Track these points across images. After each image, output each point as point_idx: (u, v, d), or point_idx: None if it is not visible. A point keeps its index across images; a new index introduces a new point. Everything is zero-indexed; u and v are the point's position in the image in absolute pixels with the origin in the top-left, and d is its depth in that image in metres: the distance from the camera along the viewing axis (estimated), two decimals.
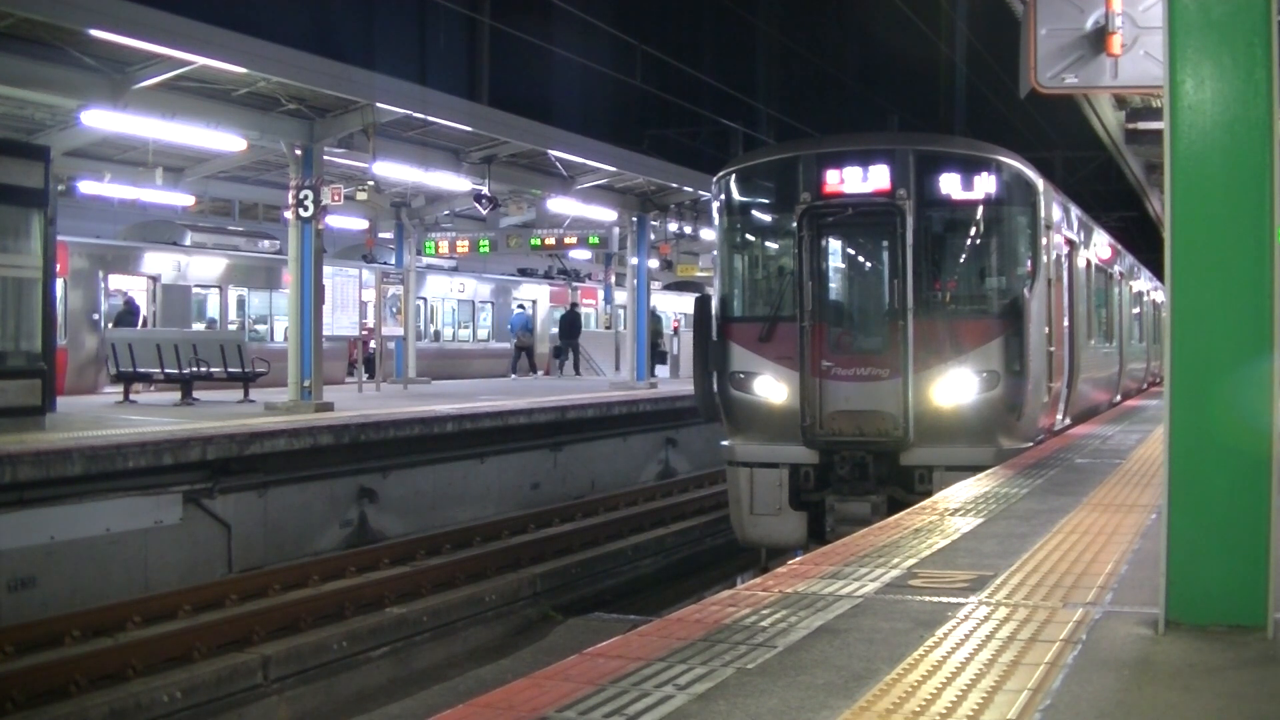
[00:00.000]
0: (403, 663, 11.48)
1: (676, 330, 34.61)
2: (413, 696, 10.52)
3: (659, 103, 32.27)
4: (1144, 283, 24.87)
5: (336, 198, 17.50)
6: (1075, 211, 15.21)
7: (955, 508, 8.26)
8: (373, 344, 23.90)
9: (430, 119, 17.21)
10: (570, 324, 32.68)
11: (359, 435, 14.63)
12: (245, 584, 12.12)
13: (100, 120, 14.51)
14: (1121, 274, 20.43)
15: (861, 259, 12.87)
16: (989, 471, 10.40)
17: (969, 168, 11.92)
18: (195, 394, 18.06)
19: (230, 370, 18.33)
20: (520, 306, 34.90)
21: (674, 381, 27.63)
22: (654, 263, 27.61)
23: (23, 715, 8.72)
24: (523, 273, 37.96)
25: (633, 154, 23.86)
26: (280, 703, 10.13)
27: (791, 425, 11.90)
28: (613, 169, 21.95)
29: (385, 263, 27.89)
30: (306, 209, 16.46)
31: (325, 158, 17.26)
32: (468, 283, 33.77)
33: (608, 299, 38.46)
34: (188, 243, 24.99)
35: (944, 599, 5.44)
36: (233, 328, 24.72)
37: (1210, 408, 4.65)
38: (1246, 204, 4.60)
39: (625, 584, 15.36)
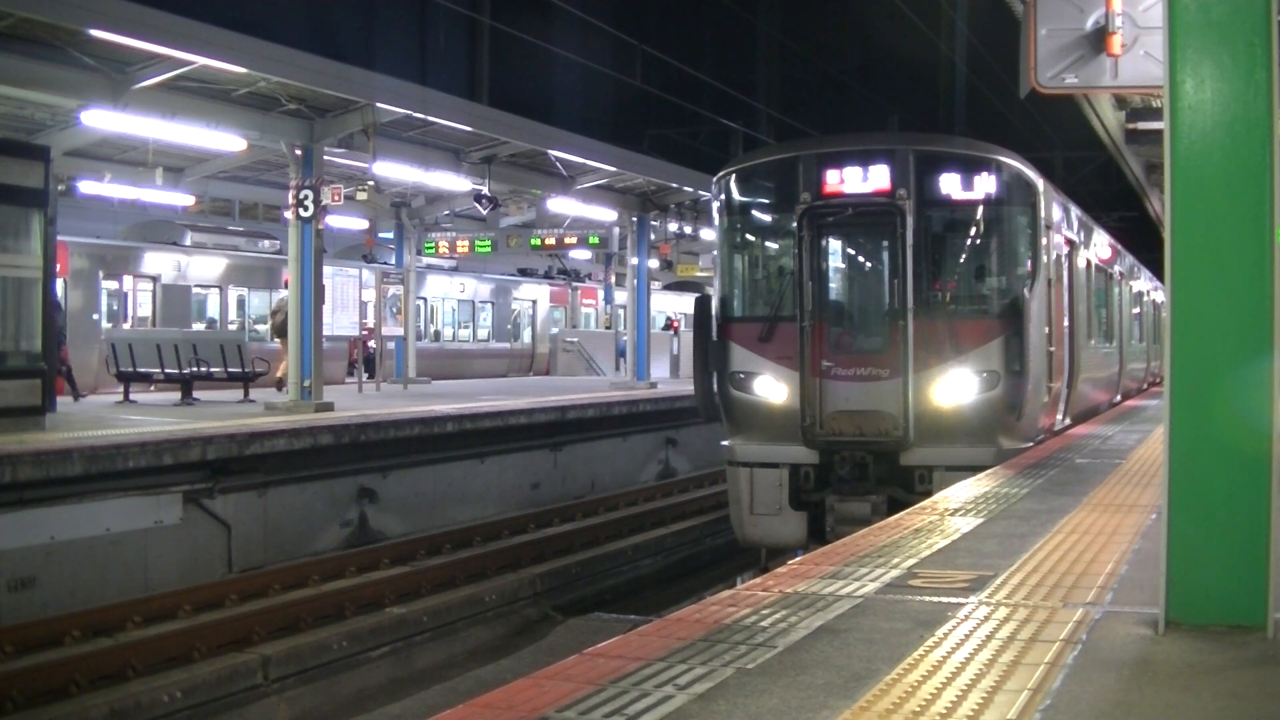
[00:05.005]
0: (403, 663, 11.47)
1: (676, 330, 34.61)
2: (413, 696, 10.52)
3: (659, 103, 32.24)
4: (1144, 283, 24.87)
5: (336, 198, 17.49)
6: (1075, 211, 15.21)
7: (955, 508, 8.26)
8: (372, 344, 23.90)
9: (430, 119, 17.20)
10: None
11: (359, 435, 14.63)
12: (245, 584, 12.12)
13: (100, 120, 14.50)
14: (1121, 274, 20.43)
15: (861, 259, 12.87)
16: (989, 471, 10.39)
17: (969, 168, 11.92)
18: (195, 394, 18.06)
19: (230, 370, 18.34)
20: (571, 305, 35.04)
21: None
22: (654, 263, 27.60)
23: (23, 715, 8.72)
24: (523, 273, 37.99)
25: (633, 154, 23.85)
26: (280, 703, 10.13)
27: (791, 425, 11.90)
28: (613, 169, 21.94)
29: (385, 263, 27.89)
30: (306, 209, 16.45)
31: (325, 158, 17.25)
32: (468, 283, 33.79)
33: (608, 299, 38.48)
34: (188, 243, 25.03)
35: (944, 599, 5.44)
36: (233, 328, 24.74)
37: (1210, 408, 4.65)
38: (1246, 204, 4.60)
39: (625, 584, 15.35)
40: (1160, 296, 21.12)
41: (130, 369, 17.91)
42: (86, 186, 19.75)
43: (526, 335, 36.61)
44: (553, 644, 11.91)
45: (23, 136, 15.44)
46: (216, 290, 25.20)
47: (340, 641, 11.03)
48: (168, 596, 11.37)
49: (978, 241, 12.43)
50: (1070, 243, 14.13)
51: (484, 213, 22.49)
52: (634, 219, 25.21)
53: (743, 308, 12.66)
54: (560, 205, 23.94)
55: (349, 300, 22.00)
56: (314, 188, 16.51)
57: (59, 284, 18.03)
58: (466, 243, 26.39)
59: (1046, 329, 12.20)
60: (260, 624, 10.83)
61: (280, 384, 18.27)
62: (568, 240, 25.99)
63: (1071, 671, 4.27)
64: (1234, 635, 4.61)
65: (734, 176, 12.76)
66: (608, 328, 37.78)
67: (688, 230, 28.53)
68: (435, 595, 12.77)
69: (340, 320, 21.61)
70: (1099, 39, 7.85)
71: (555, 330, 37.08)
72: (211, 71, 14.08)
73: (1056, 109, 18.84)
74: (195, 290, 24.70)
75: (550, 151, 20.50)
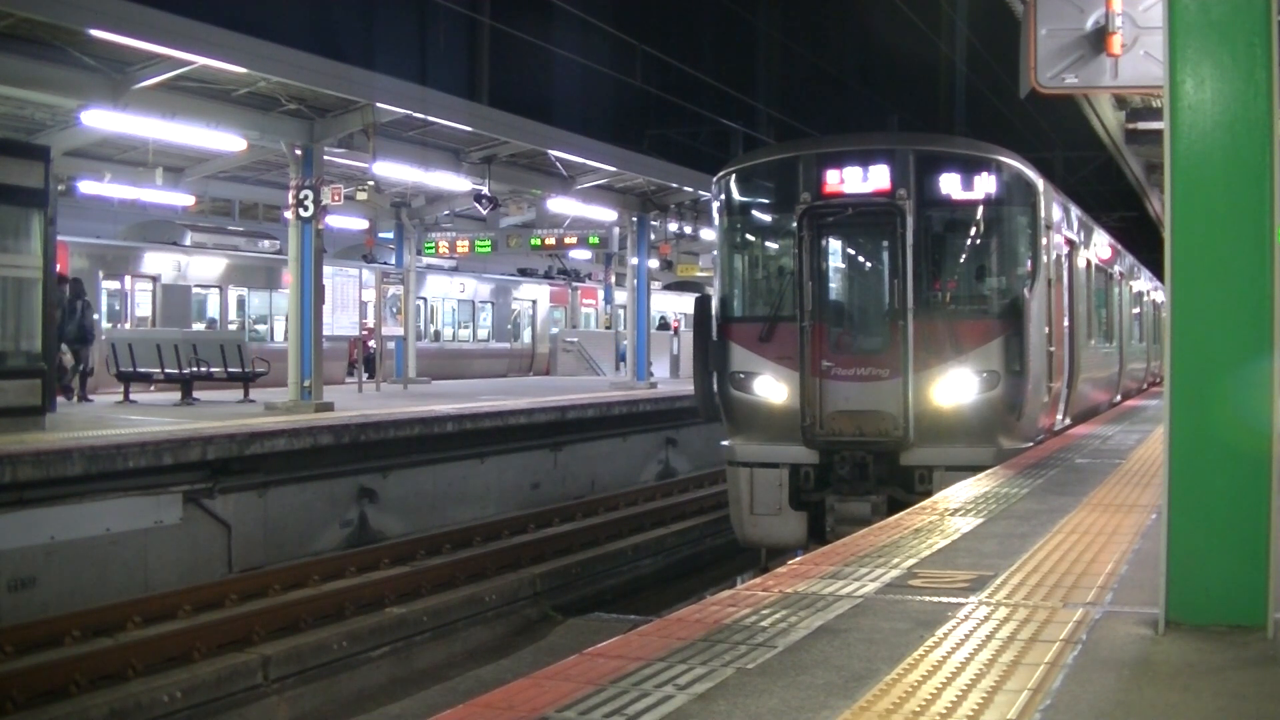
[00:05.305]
0: (403, 663, 11.47)
1: (677, 330, 34.63)
2: (413, 696, 10.52)
3: (659, 103, 32.27)
4: (1144, 283, 24.87)
5: (336, 198, 17.50)
6: (1075, 211, 15.21)
7: (955, 508, 8.26)
8: (372, 344, 23.90)
9: (430, 119, 17.21)
10: None
11: (359, 435, 14.63)
12: (245, 584, 12.12)
13: (100, 120, 14.50)
14: (1121, 274, 20.43)
15: (861, 259, 12.87)
16: (989, 471, 10.39)
17: (969, 168, 11.92)
18: (195, 394, 18.06)
19: (230, 370, 18.34)
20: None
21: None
22: (654, 263, 27.61)
23: (23, 715, 8.72)
24: (523, 273, 38.00)
25: (633, 154, 23.85)
26: (280, 703, 10.13)
27: (791, 425, 11.89)
28: (613, 169, 21.94)
29: (385, 263, 27.90)
30: (306, 209, 16.46)
31: (325, 158, 17.26)
32: (468, 283, 33.79)
33: (608, 299, 38.47)
34: (188, 243, 25.04)
35: (944, 599, 5.44)
36: (233, 328, 24.75)
37: (1210, 408, 4.65)
38: (1246, 204, 4.60)
39: (625, 584, 15.36)
40: (1160, 296, 21.13)
41: (130, 369, 17.90)
42: (86, 186, 19.77)
43: (526, 335, 36.61)
44: (553, 644, 11.91)
45: (23, 136, 15.44)
46: (216, 290, 25.21)
47: (340, 641, 11.03)
48: (168, 596, 11.37)
49: (978, 241, 12.43)
50: (1070, 243, 14.12)
51: (484, 213, 22.50)
52: (634, 219, 25.21)
53: (743, 308, 12.66)
54: (560, 205, 23.94)
55: (349, 300, 22.01)
56: (314, 188, 16.52)
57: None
58: (466, 243, 26.40)
59: (1046, 329, 12.20)
60: (260, 624, 10.84)
61: None
62: (568, 240, 26.00)
63: (1071, 671, 4.27)
64: (1234, 635, 4.61)
65: (734, 176, 12.76)
66: (608, 328, 37.78)
67: (688, 230, 28.54)
68: (435, 595, 12.77)
69: (340, 320, 21.62)
70: (1099, 39, 7.84)
71: (555, 330, 37.07)
72: (211, 71, 14.08)
73: (1056, 109, 18.83)
74: (195, 290, 24.71)
75: (550, 151, 20.50)
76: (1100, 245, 17.67)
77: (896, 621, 5.01)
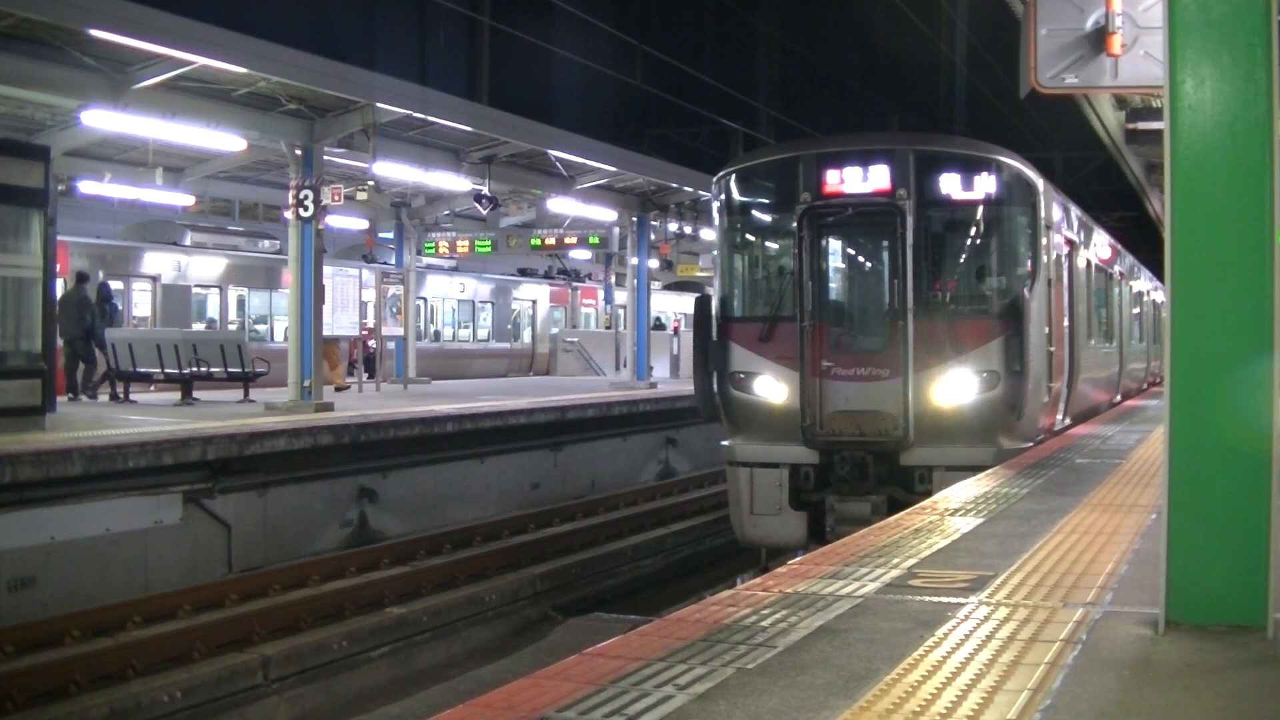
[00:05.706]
0: (403, 663, 11.48)
1: (677, 330, 34.62)
2: (413, 696, 10.52)
3: (659, 103, 32.27)
4: (1144, 283, 24.87)
5: (336, 198, 17.49)
6: (1075, 211, 15.21)
7: (955, 508, 8.26)
8: (372, 344, 23.90)
9: (430, 119, 17.20)
10: None
11: (359, 435, 14.63)
12: (245, 584, 12.12)
13: (100, 120, 14.50)
14: (1121, 274, 20.43)
15: (861, 259, 12.87)
16: (989, 471, 10.39)
17: (969, 168, 11.92)
18: (195, 394, 18.06)
19: (230, 370, 18.34)
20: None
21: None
22: (654, 263, 27.61)
23: (23, 715, 8.72)
24: (523, 273, 38.00)
25: (633, 154, 23.84)
26: (280, 703, 10.13)
27: (791, 425, 11.90)
28: (613, 169, 21.93)
29: (385, 263, 27.89)
30: (306, 209, 16.45)
31: (325, 158, 17.25)
32: (468, 283, 33.79)
33: (608, 299, 38.48)
34: (188, 243, 25.05)
35: (944, 599, 5.44)
36: (233, 328, 24.75)
37: (1210, 408, 4.65)
38: (1246, 204, 4.60)
39: (625, 584, 15.36)
40: (1160, 296, 21.12)
41: (130, 369, 17.90)
42: (86, 186, 19.76)
43: (526, 335, 36.62)
44: (553, 644, 11.91)
45: (23, 136, 15.43)
46: (216, 290, 25.21)
47: (340, 641, 11.03)
48: (168, 596, 11.37)
49: (978, 241, 12.43)
50: (1070, 243, 14.12)
51: (484, 213, 22.48)
52: (634, 219, 25.21)
53: (743, 308, 12.66)
54: (560, 205, 23.93)
55: (349, 300, 21.99)
56: (314, 188, 16.51)
57: (59, 284, 18.02)
58: (466, 243, 26.38)
59: (1046, 329, 12.20)
60: (260, 624, 10.84)
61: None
62: (568, 240, 25.99)
63: (1071, 671, 4.27)
64: (1234, 635, 4.61)
65: (734, 176, 12.76)
66: (608, 328, 37.79)
67: (688, 230, 28.53)
68: (435, 595, 12.77)
69: (340, 320, 21.60)
70: (1099, 39, 7.85)
71: (555, 330, 37.07)
72: (211, 71, 14.07)
73: (1056, 109, 18.84)
74: (195, 290, 24.72)
75: (550, 151, 20.49)
76: (1100, 245, 17.68)
77: (896, 621, 5.02)
